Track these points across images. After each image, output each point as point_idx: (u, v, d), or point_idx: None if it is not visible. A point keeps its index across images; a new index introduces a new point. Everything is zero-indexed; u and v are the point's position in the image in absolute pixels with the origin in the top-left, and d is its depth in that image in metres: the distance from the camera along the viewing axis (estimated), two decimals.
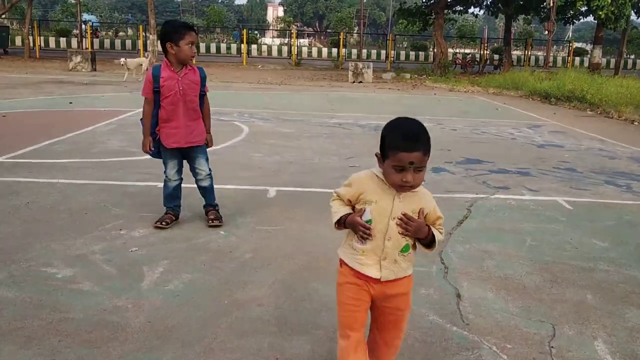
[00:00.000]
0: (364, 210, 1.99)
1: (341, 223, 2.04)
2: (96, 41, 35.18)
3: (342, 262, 2.10)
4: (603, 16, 22.85)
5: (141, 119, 4.06)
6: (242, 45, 32.91)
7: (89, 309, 2.86)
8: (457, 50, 39.36)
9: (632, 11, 28.45)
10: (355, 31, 62.51)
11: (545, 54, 26.91)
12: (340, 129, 9.27)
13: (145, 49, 29.56)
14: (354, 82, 20.99)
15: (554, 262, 3.75)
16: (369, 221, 1.98)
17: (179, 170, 4.14)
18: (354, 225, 2.00)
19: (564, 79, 16.15)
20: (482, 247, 3.98)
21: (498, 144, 8.36)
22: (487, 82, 20.29)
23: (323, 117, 10.60)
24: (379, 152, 1.99)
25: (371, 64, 22.48)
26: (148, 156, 4.20)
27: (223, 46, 39.20)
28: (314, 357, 2.51)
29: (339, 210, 2.05)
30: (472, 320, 2.90)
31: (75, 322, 2.72)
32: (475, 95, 17.58)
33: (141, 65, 18.56)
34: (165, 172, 4.13)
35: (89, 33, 30.02)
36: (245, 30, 34.42)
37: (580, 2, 22.61)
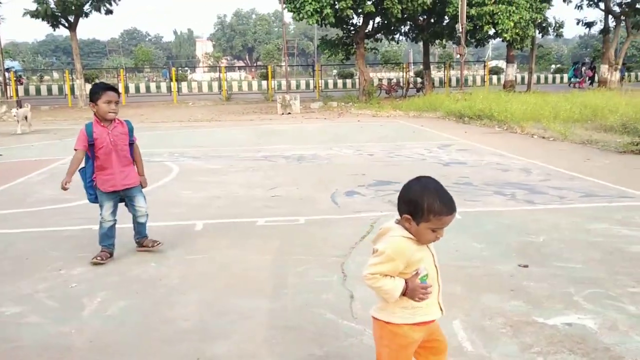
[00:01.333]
0: (419, 270, 2.18)
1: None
2: (20, 88, 34.66)
3: (398, 326, 2.22)
4: (509, 38, 24.73)
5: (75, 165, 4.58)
6: (171, 83, 33.26)
7: (36, 337, 3.35)
8: (382, 76, 40.96)
9: (537, 31, 30.83)
10: (283, 63, 63.88)
11: (470, 73, 28.82)
12: (266, 161, 9.93)
13: (73, 94, 29.45)
14: (282, 113, 21.78)
15: (447, 264, 4.50)
16: (425, 276, 2.19)
17: (114, 212, 4.69)
18: (416, 291, 2.16)
19: (474, 99, 17.49)
20: None
21: (408, 165, 9.24)
22: (408, 105, 21.55)
23: (250, 151, 11.24)
24: (408, 215, 2.14)
25: (298, 95, 23.40)
26: (81, 202, 4.74)
27: (153, 85, 39.38)
28: (229, 356, 3.10)
29: (395, 282, 2.15)
30: (360, 315, 3.57)
31: (25, 349, 3.22)
32: (396, 119, 18.70)
33: (26, 116, 16.24)
34: (101, 214, 4.67)
35: (12, 81, 29.63)
36: (174, 68, 34.75)
37: (487, 27, 24.42)
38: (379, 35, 29.63)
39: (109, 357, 3.09)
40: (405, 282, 2.15)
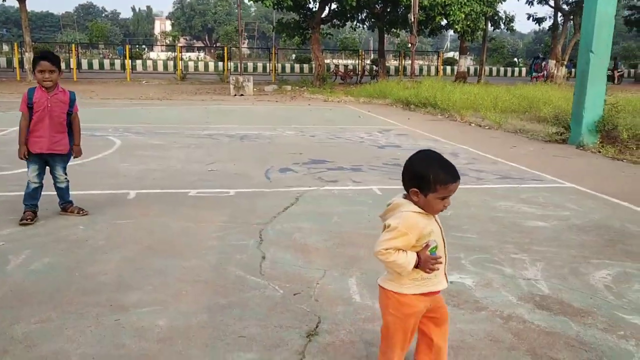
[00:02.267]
0: (429, 242, 2.27)
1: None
2: None
3: (406, 296, 2.32)
4: (459, 29, 25.42)
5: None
6: (125, 61, 32.80)
7: None
8: (339, 62, 41.31)
9: (489, 24, 31.70)
10: (242, 44, 63.45)
11: (417, 64, 29.43)
12: (210, 139, 10.16)
13: (22, 67, 28.74)
14: (235, 95, 21.90)
15: (348, 231, 4.90)
16: (435, 247, 2.29)
17: (40, 175, 4.91)
18: (427, 263, 2.25)
19: (420, 88, 18.04)
20: (296, 225, 5.05)
21: (346, 147, 9.63)
22: (359, 92, 21.97)
23: (196, 129, 11.43)
24: (415, 189, 2.24)
25: (252, 77, 23.50)
26: (18, 170, 4.97)
27: (107, 62, 38.70)
28: (139, 304, 3.40)
29: (409, 256, 2.23)
30: (268, 272, 3.92)
31: None
32: (346, 105, 19.10)
33: None
34: (28, 174, 4.90)
35: None
36: (128, 45, 34.22)
37: (439, 17, 25.02)
38: (335, 21, 29.91)
39: (25, 304, 3.35)
40: (417, 255, 2.24)
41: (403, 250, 2.22)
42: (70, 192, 5.18)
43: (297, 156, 8.46)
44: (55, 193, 5.16)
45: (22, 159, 4.86)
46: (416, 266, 2.24)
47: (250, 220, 5.14)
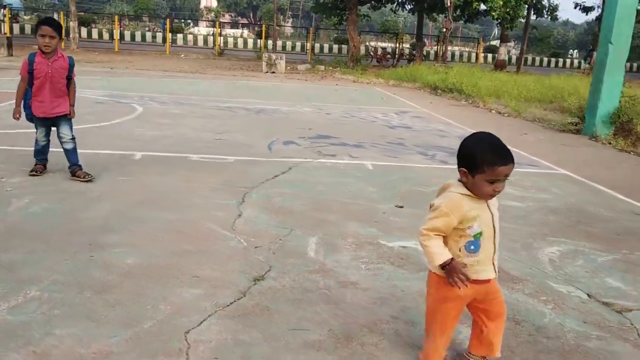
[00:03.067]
0: (473, 226, 2.23)
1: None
2: (16, 26, 34.85)
3: (440, 277, 2.30)
4: (497, 16, 25.09)
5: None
6: (166, 34, 33.53)
7: None
8: (377, 45, 41.19)
9: (532, 11, 31.10)
10: (285, 23, 63.81)
11: (458, 51, 29.13)
12: (228, 111, 10.56)
13: (67, 36, 29.70)
14: (267, 72, 22.27)
15: (327, 199, 5.21)
16: (479, 234, 2.24)
17: (47, 134, 5.34)
18: (454, 271, 2.21)
19: (448, 74, 18.05)
20: (280, 190, 5.39)
21: (357, 125, 9.89)
22: (390, 74, 22.04)
23: (218, 102, 11.84)
24: (464, 168, 2.21)
25: (284, 55, 23.82)
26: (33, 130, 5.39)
27: (149, 35, 39.56)
28: (115, 245, 3.81)
29: (442, 251, 2.23)
30: (240, 228, 4.29)
31: None
32: (374, 86, 19.24)
33: None
34: (36, 133, 5.34)
35: (7, 17, 29.85)
36: (168, 19, 34.91)
37: (476, 3, 24.74)
38: (373, 2, 29.84)
39: (17, 238, 3.79)
40: (452, 259, 2.22)
41: (443, 242, 2.24)
42: (78, 154, 5.42)
43: (305, 131, 8.78)
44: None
45: (15, 118, 5.09)
46: (443, 267, 2.23)
47: (239, 184, 5.50)
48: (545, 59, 46.88)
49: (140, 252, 3.70)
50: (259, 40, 38.94)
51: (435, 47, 45.03)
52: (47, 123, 5.28)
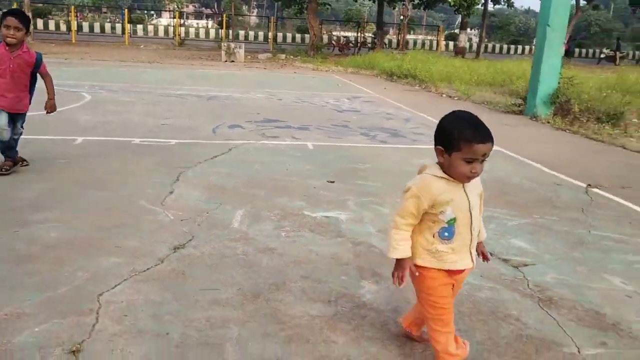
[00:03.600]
0: (445, 211, 2.12)
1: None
2: None
3: (425, 269, 2.20)
4: (453, 3, 25.50)
5: None
6: (125, 25, 33.08)
7: None
8: (340, 34, 41.36)
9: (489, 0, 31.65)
10: (250, 13, 63.43)
11: (421, 39, 29.51)
12: (179, 98, 10.60)
13: None
14: (226, 61, 22.24)
15: (262, 177, 5.37)
16: (453, 220, 2.13)
17: (8, 123, 4.94)
18: (400, 270, 2.19)
19: (403, 60, 18.34)
20: (217, 170, 5.53)
21: (306, 110, 10.06)
22: (348, 62, 22.27)
23: (170, 89, 11.87)
24: (440, 147, 2.10)
25: (243, 44, 23.81)
26: None
27: (108, 26, 38.94)
28: (43, 221, 3.91)
29: (401, 245, 2.16)
30: (169, 204, 4.42)
31: None
32: (332, 74, 19.41)
33: None
34: None
35: None
36: (127, 9, 34.43)
37: None
38: None
39: None
40: (404, 259, 2.18)
41: (408, 236, 2.17)
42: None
43: (253, 115, 8.91)
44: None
45: None
46: (398, 262, 2.20)
47: (176, 165, 5.61)
48: (505, 46, 47.68)
49: (66, 226, 3.81)
50: (221, 31, 38.73)
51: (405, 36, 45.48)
52: (7, 114, 4.97)
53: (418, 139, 7.81)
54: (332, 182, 5.31)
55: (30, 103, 5.19)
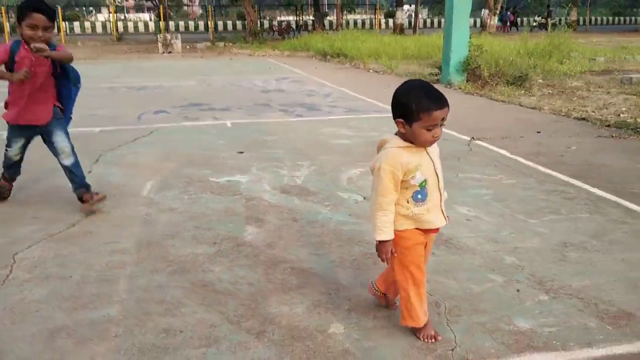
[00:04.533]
0: (416, 176, 2.20)
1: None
2: None
3: (398, 231, 2.27)
4: None
5: None
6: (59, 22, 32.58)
7: None
8: (280, 18, 41.65)
9: None
10: (192, 3, 62.82)
11: (360, 18, 30.03)
12: (108, 91, 10.93)
13: None
14: (163, 52, 22.41)
15: (176, 153, 5.87)
16: (424, 182, 2.23)
17: (23, 148, 4.26)
18: (384, 251, 2.27)
19: (334, 40, 18.94)
20: (133, 150, 5.99)
21: (233, 93, 10.54)
22: (285, 45, 22.78)
23: (102, 82, 12.13)
24: (400, 119, 2.17)
25: (179, 35, 23.99)
26: None
27: None
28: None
29: (386, 229, 2.23)
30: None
31: None
32: (268, 58, 19.87)
33: None
34: (7, 146, 4.23)
35: None
36: (59, 7, 33.89)
37: None
38: None
39: None
40: (387, 240, 2.25)
41: (392, 218, 2.24)
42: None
43: (180, 101, 9.35)
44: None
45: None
46: (380, 243, 2.27)
47: (97, 148, 6.05)
48: (443, 20, 48.84)
49: None
50: (160, 23, 38.52)
51: (351, 16, 46.07)
52: (26, 133, 4.10)
53: (332, 111, 8.41)
54: (242, 152, 5.86)
55: (67, 111, 4.20)
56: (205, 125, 7.36)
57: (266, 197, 4.40)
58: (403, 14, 37.09)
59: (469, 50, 11.23)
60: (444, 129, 2.22)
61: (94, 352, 2.38)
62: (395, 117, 2.21)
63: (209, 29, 33.95)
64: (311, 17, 41.14)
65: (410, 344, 2.41)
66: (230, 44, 26.36)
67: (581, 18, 44.65)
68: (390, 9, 56.51)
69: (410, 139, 2.19)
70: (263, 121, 7.65)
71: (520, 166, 5.26)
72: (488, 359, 2.31)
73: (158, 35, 23.77)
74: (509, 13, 43.07)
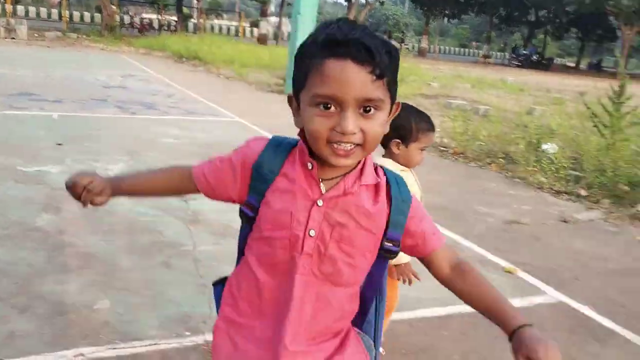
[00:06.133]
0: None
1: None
2: None
3: None
4: None
5: None
6: None
7: None
8: (143, 15, 40.46)
9: None
10: None
11: (226, 25, 29.80)
12: None
13: None
14: (6, 38, 20.89)
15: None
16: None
17: None
18: (405, 272, 2.23)
19: (187, 42, 18.98)
20: None
21: (71, 86, 10.24)
22: (140, 43, 22.26)
23: None
24: (397, 140, 2.14)
25: (25, 21, 22.53)
26: None
27: None
28: None
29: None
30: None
31: None
32: (121, 54, 19.34)
33: None
34: None
35: None
36: None
37: None
38: None
39: None
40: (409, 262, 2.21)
41: None
42: None
43: (10, 90, 8.92)
44: None
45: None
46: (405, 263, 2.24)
47: None
48: None
49: None
50: (7, 6, 35.61)
51: (213, 21, 45.62)
52: None
53: (169, 111, 8.55)
54: (60, 144, 5.83)
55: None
56: (30, 116, 7.15)
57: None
58: (267, 25, 37.84)
59: None
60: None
61: None
62: (391, 138, 2.14)
63: (62, 18, 32.13)
64: (174, 18, 40.46)
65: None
66: (84, 36, 25.17)
67: (432, 46, 48.41)
68: (259, 18, 57.20)
69: (401, 160, 2.19)
70: (94, 116, 7.60)
71: None
72: None
73: (1, 19, 22.09)
74: None
